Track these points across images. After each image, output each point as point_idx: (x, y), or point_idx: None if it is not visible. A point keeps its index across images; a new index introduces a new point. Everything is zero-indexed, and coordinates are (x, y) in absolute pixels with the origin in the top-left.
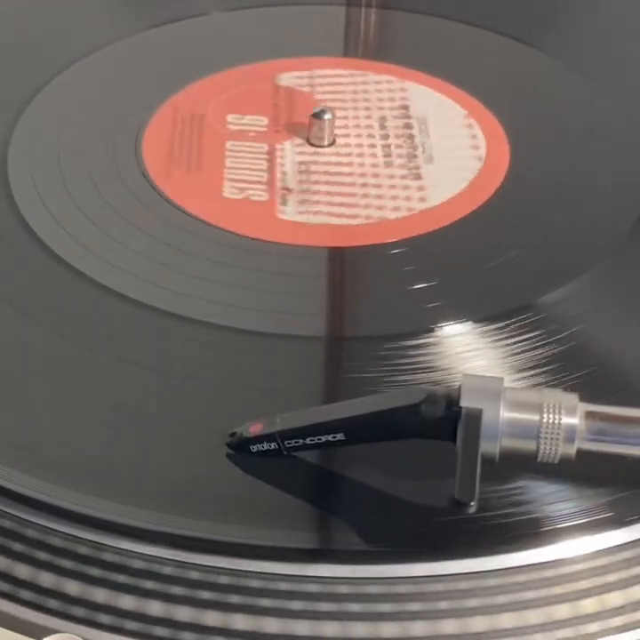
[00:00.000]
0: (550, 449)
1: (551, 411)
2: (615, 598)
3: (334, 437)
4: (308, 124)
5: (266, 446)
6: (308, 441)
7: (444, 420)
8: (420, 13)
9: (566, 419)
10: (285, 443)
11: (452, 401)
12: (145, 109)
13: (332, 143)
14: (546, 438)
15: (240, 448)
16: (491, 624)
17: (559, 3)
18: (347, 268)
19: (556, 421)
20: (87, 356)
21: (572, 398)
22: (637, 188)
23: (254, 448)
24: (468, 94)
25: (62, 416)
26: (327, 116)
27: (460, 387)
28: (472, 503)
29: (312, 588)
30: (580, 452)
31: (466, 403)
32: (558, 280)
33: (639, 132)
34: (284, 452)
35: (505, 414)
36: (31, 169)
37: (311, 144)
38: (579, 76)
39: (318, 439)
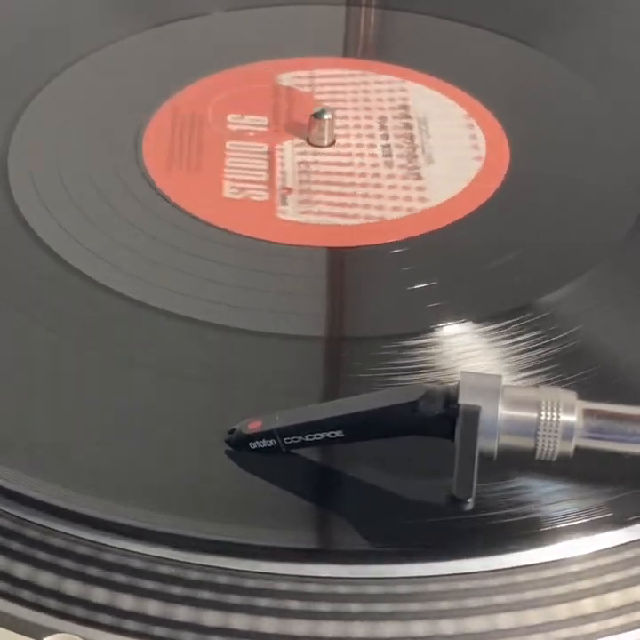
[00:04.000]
0: (548, 446)
1: (549, 408)
2: (615, 598)
3: (333, 435)
4: (308, 124)
5: (265, 443)
6: (306, 438)
7: (442, 418)
8: (419, 13)
9: (564, 416)
10: (284, 440)
11: (450, 398)
12: (145, 109)
13: (332, 143)
14: (544, 436)
15: (239, 445)
16: (490, 624)
17: (559, 3)
18: (347, 268)
19: (554, 419)
20: (87, 355)
21: (570, 396)
22: (637, 187)
23: (253, 445)
24: (467, 94)
25: (62, 416)
26: (327, 116)
27: (458, 384)
28: (469, 500)
29: (311, 587)
30: (578, 450)
31: (464, 400)
32: (558, 280)
33: (639, 132)
34: (283, 450)
35: (503, 412)
36: (31, 169)
37: (311, 144)
38: (578, 76)
39: (317, 436)
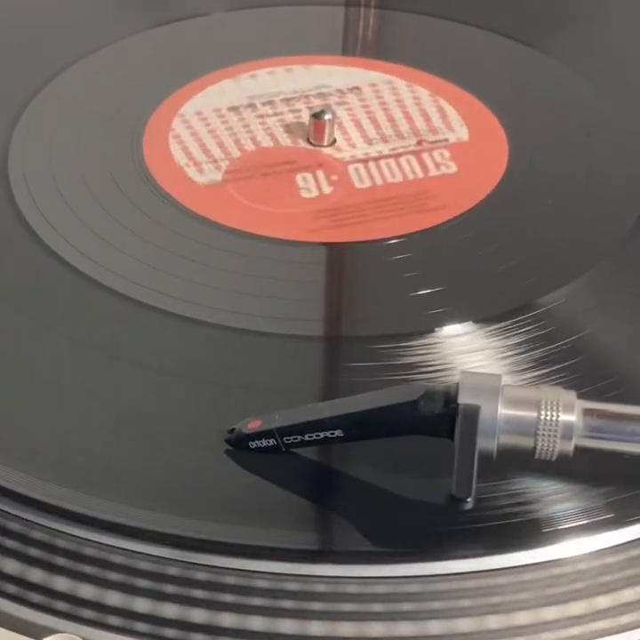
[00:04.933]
0: (548, 446)
1: (549, 408)
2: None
3: (332, 434)
4: (308, 124)
5: (264, 443)
6: (306, 437)
7: (441, 417)
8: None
9: (564, 416)
10: (284, 439)
11: (450, 397)
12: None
13: (332, 143)
14: (543, 435)
15: (239, 444)
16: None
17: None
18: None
19: (554, 418)
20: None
21: (569, 395)
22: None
23: (253, 444)
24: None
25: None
26: (327, 116)
27: (457, 383)
28: (469, 499)
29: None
30: (578, 450)
31: (464, 399)
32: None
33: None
34: (283, 449)
35: (502, 411)
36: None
37: (311, 143)
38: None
39: (316, 436)
